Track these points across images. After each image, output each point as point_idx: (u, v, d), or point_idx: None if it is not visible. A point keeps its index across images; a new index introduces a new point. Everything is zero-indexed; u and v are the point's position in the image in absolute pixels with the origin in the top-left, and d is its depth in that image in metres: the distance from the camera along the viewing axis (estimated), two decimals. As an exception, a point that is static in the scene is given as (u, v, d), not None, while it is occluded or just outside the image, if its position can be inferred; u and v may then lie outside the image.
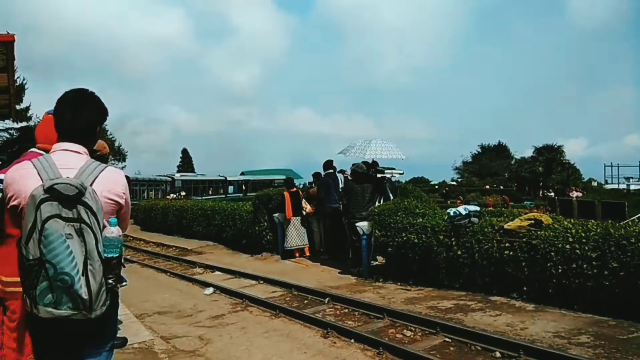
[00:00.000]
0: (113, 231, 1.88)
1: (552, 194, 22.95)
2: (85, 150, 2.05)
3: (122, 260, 2.13)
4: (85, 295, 1.79)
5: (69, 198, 1.79)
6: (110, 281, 1.87)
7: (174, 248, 14.45)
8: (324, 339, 5.33)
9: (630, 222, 6.31)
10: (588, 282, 5.55)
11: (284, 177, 33.24)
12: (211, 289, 8.05)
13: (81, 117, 2.05)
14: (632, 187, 26.15)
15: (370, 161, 10.16)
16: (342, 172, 11.08)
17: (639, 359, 4.27)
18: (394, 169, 10.08)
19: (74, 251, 1.78)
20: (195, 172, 55.70)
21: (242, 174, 47.32)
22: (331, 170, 10.82)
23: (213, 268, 10.27)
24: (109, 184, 2.00)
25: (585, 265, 5.54)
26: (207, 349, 5.25)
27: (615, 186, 27.48)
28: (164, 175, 35.52)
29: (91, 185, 1.89)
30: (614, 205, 20.12)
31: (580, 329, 5.12)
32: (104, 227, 1.88)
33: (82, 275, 1.78)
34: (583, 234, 5.68)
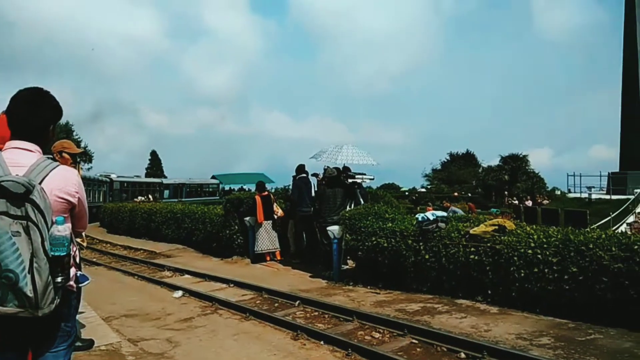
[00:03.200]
0: (60, 230, 1.87)
1: (517, 201, 23.65)
2: (38, 148, 2.05)
3: (78, 260, 2.13)
4: (30, 293, 1.78)
5: (17, 196, 1.79)
6: (58, 279, 1.86)
7: (142, 251, 14.19)
8: (294, 341, 5.37)
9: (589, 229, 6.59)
10: (549, 286, 5.78)
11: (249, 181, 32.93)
12: (180, 292, 7.98)
13: (35, 116, 2.05)
14: (594, 197, 27.13)
15: (341, 167, 10.29)
16: (315, 175, 11.16)
17: (596, 359, 4.47)
18: (365, 174, 10.23)
19: (20, 249, 1.77)
20: (164, 176, 54.78)
21: (213, 177, 46.83)
22: (304, 175, 10.88)
23: (182, 271, 10.16)
24: (60, 183, 1.99)
25: (546, 270, 5.77)
26: (175, 351, 5.21)
27: (578, 195, 28.49)
28: (101, 176, 33.77)
29: (40, 183, 1.88)
30: (577, 214, 20.91)
31: (542, 331, 5.32)
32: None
33: (28, 273, 1.78)
34: (544, 240, 5.92)
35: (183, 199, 34.35)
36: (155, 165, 67.34)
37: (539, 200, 29.11)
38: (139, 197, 31.50)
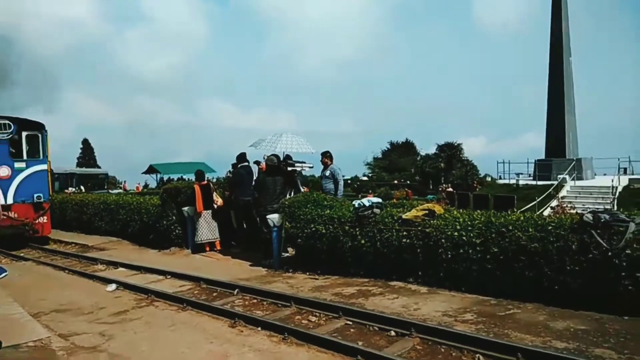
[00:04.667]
0: None
1: (451, 189, 24.74)
2: None
3: None
4: None
5: None
6: None
7: (73, 245, 13.60)
8: (231, 329, 5.41)
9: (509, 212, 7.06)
10: (473, 265, 6.17)
11: (190, 171, 31.57)
12: (114, 286, 7.76)
13: None
14: (521, 182, 28.76)
15: (282, 155, 10.32)
16: (257, 163, 11.09)
17: (514, 332, 4.84)
18: (305, 162, 10.34)
19: None
20: (97, 166, 52.19)
21: (151, 167, 45.27)
22: (246, 163, 10.81)
23: (116, 264, 9.86)
24: None
25: (470, 251, 6.15)
26: (109, 344, 5.11)
27: (507, 181, 30.14)
28: None
29: None
30: (505, 199, 22.15)
31: (466, 308, 5.69)
32: None
33: None
34: (469, 222, 6.30)
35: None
36: (87, 155, 64.15)
37: (476, 186, 30.51)
38: (70, 189, 29.87)
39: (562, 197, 22.85)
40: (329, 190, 9.31)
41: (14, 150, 13.43)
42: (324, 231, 7.80)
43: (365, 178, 45.09)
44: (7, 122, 13.08)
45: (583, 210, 16.71)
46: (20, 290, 7.79)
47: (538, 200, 22.25)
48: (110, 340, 5.25)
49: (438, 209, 6.81)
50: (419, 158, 45.78)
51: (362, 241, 7.33)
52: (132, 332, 5.52)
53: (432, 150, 40.64)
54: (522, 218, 6.05)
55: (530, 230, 5.74)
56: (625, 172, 28.03)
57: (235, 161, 11.01)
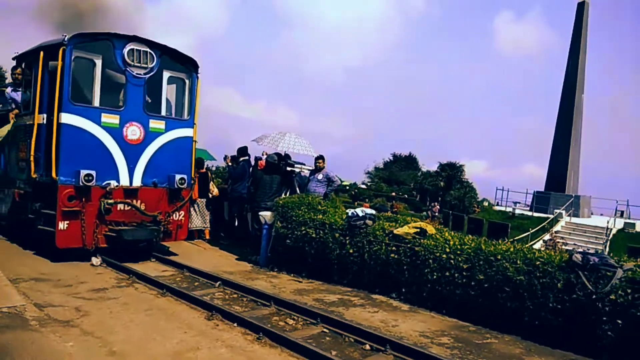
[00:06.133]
0: None
1: (436, 210, 24.83)
2: None
3: None
4: None
5: None
6: None
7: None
8: (207, 321, 5.38)
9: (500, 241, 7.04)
10: (457, 289, 6.15)
11: None
12: (99, 260, 7.68)
13: None
14: (517, 212, 28.82)
15: (283, 153, 10.31)
16: (257, 159, 11.01)
17: (488, 361, 4.83)
18: (304, 164, 10.32)
19: None
20: None
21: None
22: (247, 157, 10.79)
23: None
24: None
25: (456, 275, 6.14)
26: (82, 320, 5.08)
27: (503, 208, 30.18)
28: None
29: None
30: (499, 226, 22.24)
31: (444, 330, 5.67)
32: None
33: None
34: (459, 247, 6.28)
35: None
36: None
37: (476, 209, 30.59)
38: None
39: (556, 232, 22.88)
40: (318, 194, 9.30)
41: (149, 100, 8.29)
42: (314, 235, 7.78)
43: (363, 186, 45.05)
44: (148, 50, 8.00)
45: (575, 247, 16.73)
46: (1, 253, 7.77)
47: (532, 231, 22.28)
48: (85, 316, 5.21)
49: (430, 228, 6.80)
50: (419, 173, 45.75)
51: (351, 250, 7.31)
52: (107, 310, 5.49)
53: (434, 167, 40.66)
54: (511, 249, 6.03)
55: (518, 262, 5.72)
56: (622, 215, 28.08)
57: (236, 154, 10.97)
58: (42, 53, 7.58)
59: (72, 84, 7.36)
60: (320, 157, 9.87)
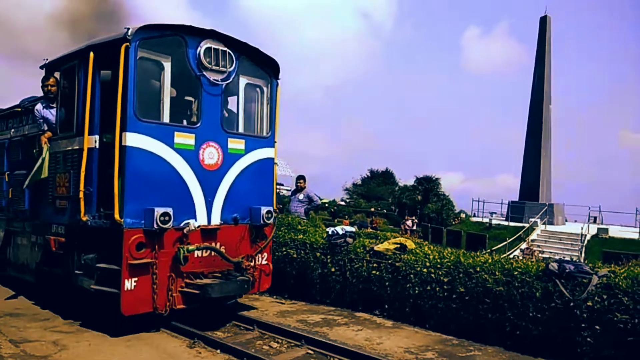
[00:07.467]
0: None
1: (410, 223, 25.08)
2: None
3: None
4: None
5: None
6: None
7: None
8: (189, 349, 5.28)
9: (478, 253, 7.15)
10: (439, 303, 6.21)
11: None
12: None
13: None
14: (494, 222, 29.30)
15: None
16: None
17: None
18: (282, 184, 10.34)
19: None
20: None
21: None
22: None
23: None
24: None
25: (437, 288, 6.20)
26: (61, 355, 4.93)
27: (480, 219, 30.63)
28: None
29: None
30: (477, 237, 22.55)
31: (428, 345, 5.69)
32: None
33: None
34: (439, 260, 6.35)
35: None
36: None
37: (455, 222, 30.99)
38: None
39: (532, 241, 23.30)
40: (299, 214, 9.33)
41: (226, 114, 6.65)
42: (295, 255, 7.76)
43: (342, 203, 45.22)
44: (227, 50, 6.27)
45: (552, 255, 17.07)
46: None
47: (509, 241, 22.64)
48: (63, 350, 5.06)
49: (410, 243, 6.86)
50: (397, 188, 46.26)
51: (333, 269, 7.32)
52: (86, 343, 5.34)
53: (410, 181, 41.17)
54: (490, 260, 6.13)
55: (497, 273, 5.82)
56: (595, 221, 28.81)
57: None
58: (92, 54, 5.73)
59: (137, 94, 5.56)
60: (301, 177, 9.93)
